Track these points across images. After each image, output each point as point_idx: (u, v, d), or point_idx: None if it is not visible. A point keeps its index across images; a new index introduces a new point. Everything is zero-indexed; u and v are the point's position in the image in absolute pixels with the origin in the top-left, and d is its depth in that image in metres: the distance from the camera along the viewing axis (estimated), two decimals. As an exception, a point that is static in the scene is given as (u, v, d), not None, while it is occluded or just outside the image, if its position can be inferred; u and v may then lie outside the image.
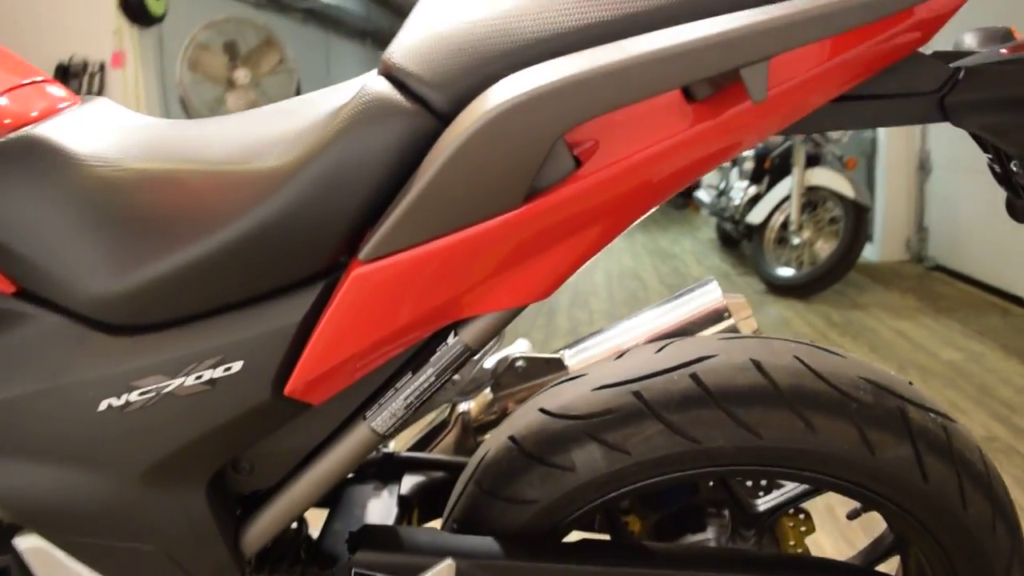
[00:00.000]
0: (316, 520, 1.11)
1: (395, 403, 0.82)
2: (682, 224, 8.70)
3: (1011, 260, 4.66)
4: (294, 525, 1.11)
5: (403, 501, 1.15)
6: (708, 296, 1.29)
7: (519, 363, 1.28)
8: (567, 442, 0.95)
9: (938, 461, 0.93)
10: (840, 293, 5.10)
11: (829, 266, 4.96)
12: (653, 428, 0.92)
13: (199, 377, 0.80)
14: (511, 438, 1.00)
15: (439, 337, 0.81)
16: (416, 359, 0.82)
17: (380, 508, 1.13)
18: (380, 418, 0.83)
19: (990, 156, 0.92)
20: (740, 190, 5.95)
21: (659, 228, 8.37)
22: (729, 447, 0.91)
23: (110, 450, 0.84)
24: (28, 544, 0.92)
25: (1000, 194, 0.92)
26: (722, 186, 6.63)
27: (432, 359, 0.81)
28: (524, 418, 1.01)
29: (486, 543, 0.95)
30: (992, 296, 4.77)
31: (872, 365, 0.97)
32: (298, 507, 0.88)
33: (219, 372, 0.79)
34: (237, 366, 0.79)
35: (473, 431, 1.30)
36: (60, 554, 0.92)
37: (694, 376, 0.93)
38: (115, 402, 0.82)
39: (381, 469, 1.20)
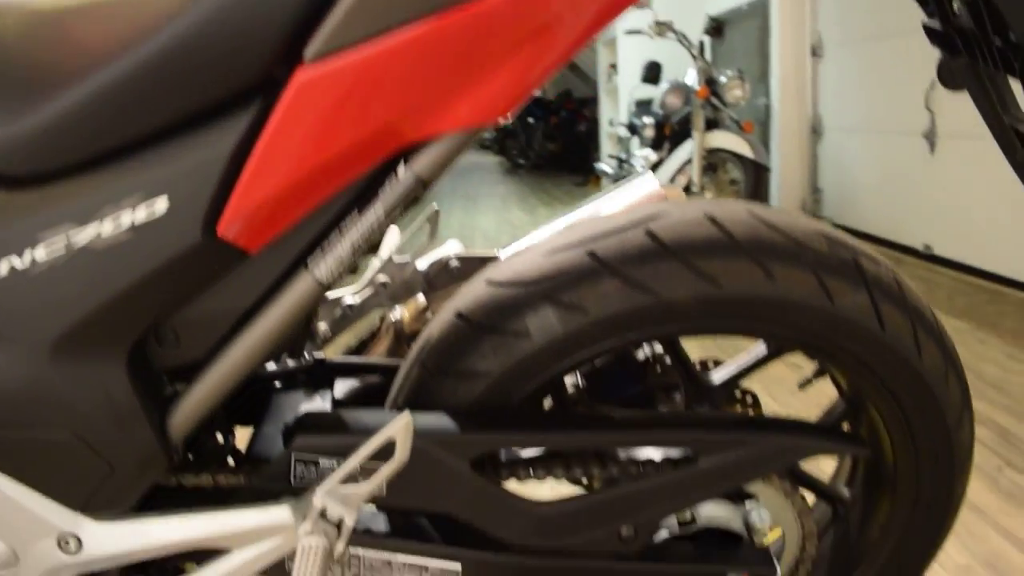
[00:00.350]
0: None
1: (340, 247, 0.76)
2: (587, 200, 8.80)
3: (900, 215, 4.92)
4: (221, 439, 1.03)
5: (338, 405, 1.09)
6: (646, 186, 1.27)
7: (453, 263, 1.24)
8: (519, 308, 0.91)
9: (893, 309, 0.94)
10: (744, 253, 5.25)
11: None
12: (610, 284, 0.89)
13: (116, 222, 0.71)
14: (458, 314, 0.95)
15: (387, 170, 0.76)
16: (362, 197, 0.76)
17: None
18: (324, 265, 0.76)
19: (930, 10, 0.93)
20: (642, 157, 6.06)
21: (563, 204, 8.45)
22: (689, 299, 0.89)
23: (14, 320, 0.75)
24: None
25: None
26: (623, 156, 6.74)
27: (381, 194, 0.75)
28: (470, 293, 0.96)
29: (438, 418, 0.90)
30: (885, 248, 5.03)
31: (821, 224, 0.97)
32: (231, 379, 0.81)
33: (140, 214, 0.71)
34: (161, 205, 0.71)
35: (406, 339, 1.24)
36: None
37: (649, 232, 0.91)
38: (18, 263, 0.73)
39: (311, 376, 1.13)
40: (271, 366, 1.14)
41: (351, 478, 0.80)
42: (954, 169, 4.30)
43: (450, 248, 1.26)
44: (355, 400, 1.11)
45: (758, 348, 1.08)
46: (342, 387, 1.12)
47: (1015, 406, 2.40)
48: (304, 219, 0.75)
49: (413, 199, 0.76)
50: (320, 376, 1.14)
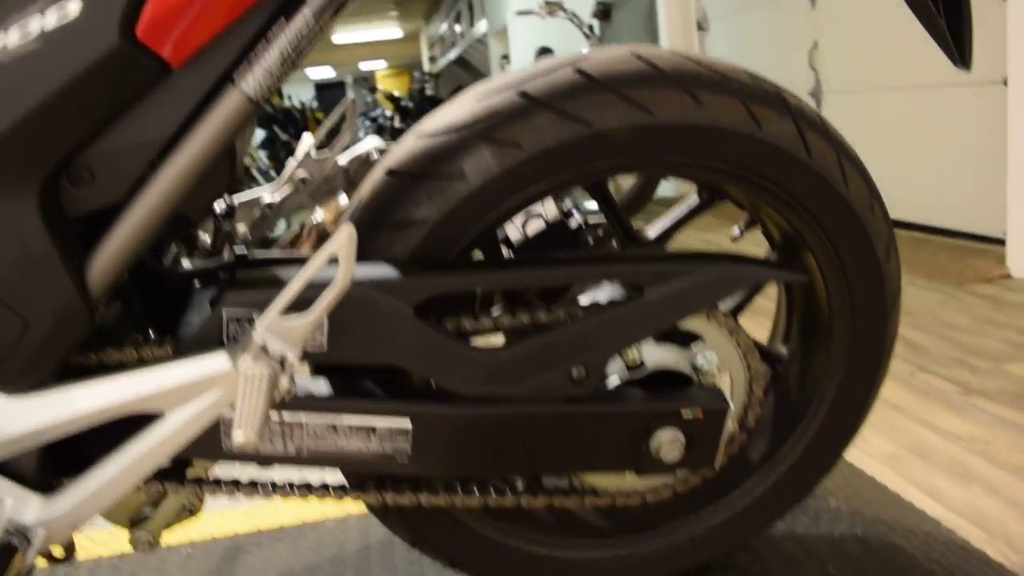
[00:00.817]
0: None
1: (268, 57, 0.73)
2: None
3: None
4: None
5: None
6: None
7: (374, 157, 1.22)
8: (453, 152, 0.91)
9: (818, 138, 0.98)
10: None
11: (630, 198, 5.23)
12: (543, 118, 0.90)
13: (23, 30, 0.67)
14: (388, 171, 0.94)
15: (311, -29, 0.74)
16: (289, 3, 0.74)
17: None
18: (252, 78, 0.74)
19: None
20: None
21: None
22: (622, 129, 0.91)
23: None
24: None
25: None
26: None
27: (308, -1, 0.73)
28: (399, 150, 0.95)
29: (377, 267, 0.88)
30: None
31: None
32: (154, 219, 0.77)
33: (50, 19, 0.67)
34: (73, 7, 0.67)
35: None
36: None
37: (578, 69, 0.92)
38: None
39: (232, 276, 1.09)
40: (188, 264, 1.09)
41: (290, 312, 0.77)
42: (839, 121, 4.53)
43: (370, 143, 1.24)
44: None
45: (690, 199, 1.11)
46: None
47: (918, 322, 2.54)
48: (227, 29, 0.72)
49: (342, 3, 0.75)
50: (242, 271, 1.09)
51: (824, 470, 1.18)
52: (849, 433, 1.15)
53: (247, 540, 1.46)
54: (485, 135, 0.90)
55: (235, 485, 0.96)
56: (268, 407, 0.72)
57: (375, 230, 0.93)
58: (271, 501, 0.96)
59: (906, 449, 1.74)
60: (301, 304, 0.78)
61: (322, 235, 1.20)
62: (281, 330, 0.76)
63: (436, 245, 0.92)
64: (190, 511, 1.08)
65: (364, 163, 1.20)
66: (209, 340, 0.85)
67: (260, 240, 1.21)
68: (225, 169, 0.84)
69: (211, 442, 0.89)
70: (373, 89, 10.67)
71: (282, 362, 0.77)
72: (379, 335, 0.87)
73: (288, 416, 0.88)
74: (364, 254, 0.92)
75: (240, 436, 0.68)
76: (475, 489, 1.00)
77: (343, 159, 1.20)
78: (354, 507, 1.53)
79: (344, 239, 0.73)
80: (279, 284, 0.87)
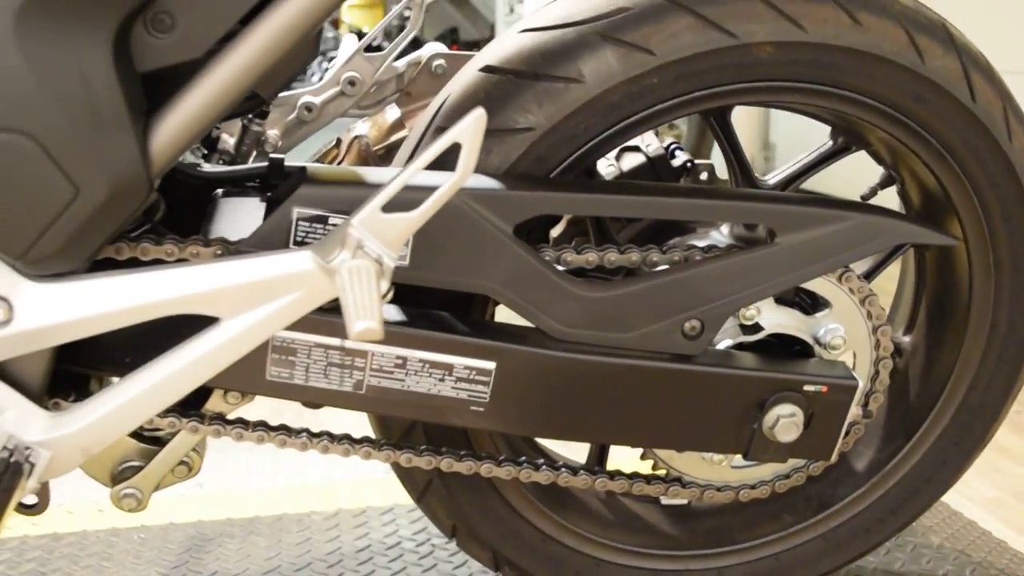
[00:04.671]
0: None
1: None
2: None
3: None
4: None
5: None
6: None
7: (437, 62, 1.29)
8: (571, 50, 0.98)
9: (984, 82, 1.07)
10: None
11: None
12: (681, 22, 0.98)
13: None
14: (487, 67, 1.01)
15: None
16: None
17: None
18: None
19: None
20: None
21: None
22: (769, 44, 0.99)
23: None
24: None
25: None
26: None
27: None
28: (501, 46, 1.03)
29: (475, 178, 0.95)
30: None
31: None
32: (237, 84, 0.83)
33: None
34: None
35: (375, 158, 1.28)
36: None
37: (723, -28, 1.00)
38: None
39: (265, 183, 1.15)
40: (218, 169, 1.15)
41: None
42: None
43: (433, 48, 1.31)
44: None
45: (821, 144, 1.19)
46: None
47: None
48: None
49: None
50: (274, 185, 1.15)
51: (942, 489, 1.26)
52: (976, 444, 1.23)
53: (215, 529, 1.51)
54: (611, 34, 0.98)
55: (263, 428, 1.02)
56: (381, 299, 0.78)
57: (467, 135, 0.99)
58: (286, 448, 1.02)
59: (1010, 494, 1.84)
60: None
61: (365, 153, 1.26)
62: (380, 227, 0.82)
63: (538, 159, 0.99)
64: (188, 467, 1.14)
65: (424, 70, 1.27)
66: (273, 240, 0.91)
67: (290, 149, 1.27)
68: (311, 44, 0.90)
69: (254, 370, 0.95)
70: (336, 23, 10.66)
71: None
72: (471, 254, 0.93)
73: (351, 344, 0.95)
74: (451, 163, 0.99)
75: (362, 326, 0.74)
76: (544, 462, 1.07)
77: (400, 63, 1.27)
78: (349, 501, 1.59)
79: (472, 124, 0.79)
80: (358, 183, 0.93)
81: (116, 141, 0.81)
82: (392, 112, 1.29)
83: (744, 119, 6.54)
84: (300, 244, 0.92)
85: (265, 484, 1.66)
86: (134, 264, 0.91)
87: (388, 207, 0.83)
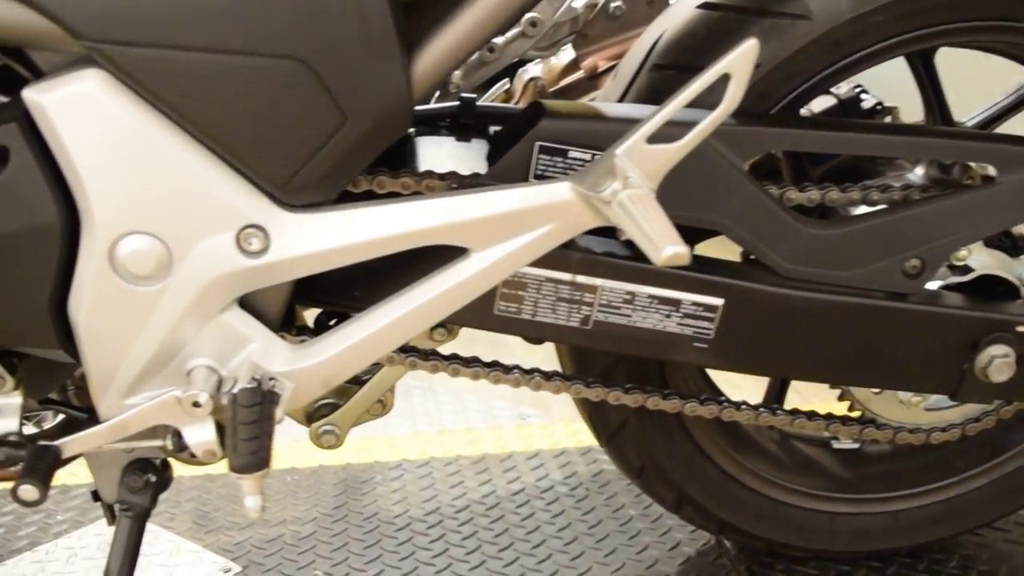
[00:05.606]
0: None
1: None
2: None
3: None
4: None
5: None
6: None
7: (615, 4, 1.28)
8: (799, -17, 0.97)
9: None
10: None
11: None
12: None
13: None
14: (706, 4, 1.00)
15: None
16: None
17: (471, 160, 1.08)
18: None
19: None
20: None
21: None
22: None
23: None
24: (65, 89, 0.79)
25: None
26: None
27: None
28: (719, -19, 1.01)
29: (704, 112, 0.94)
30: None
31: None
32: (499, 14, 0.83)
33: None
34: None
35: (551, 97, 1.27)
36: (121, 100, 0.79)
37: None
38: None
39: (457, 123, 1.14)
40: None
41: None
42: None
43: (610, -12, 1.29)
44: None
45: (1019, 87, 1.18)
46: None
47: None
48: None
49: None
50: (468, 122, 1.15)
51: None
52: None
53: (365, 473, 1.52)
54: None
55: (478, 364, 1.02)
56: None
57: (687, 72, 0.98)
58: (499, 384, 1.02)
59: None
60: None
61: (541, 94, 1.25)
62: (644, 159, 0.82)
63: (760, 96, 0.99)
64: (382, 404, 1.14)
65: (602, 13, 1.25)
66: (512, 172, 0.91)
67: (472, 90, 1.26)
68: None
69: (483, 304, 0.95)
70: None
71: (638, 196, 0.82)
72: (706, 189, 0.93)
73: (582, 279, 0.95)
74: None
75: (671, 251, 0.74)
76: (750, 403, 1.07)
77: (578, 4, 1.26)
78: (493, 446, 1.60)
79: (744, 54, 0.79)
80: (598, 117, 0.93)
81: (385, 69, 0.81)
82: (566, 54, 1.28)
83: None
84: (539, 177, 0.92)
85: (406, 430, 1.67)
86: (370, 197, 0.91)
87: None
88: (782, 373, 1.08)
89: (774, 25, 0.97)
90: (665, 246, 0.74)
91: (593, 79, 1.27)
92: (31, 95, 0.80)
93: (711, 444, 1.17)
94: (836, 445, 1.28)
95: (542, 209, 0.85)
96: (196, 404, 0.87)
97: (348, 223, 0.86)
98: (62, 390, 1.04)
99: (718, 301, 0.96)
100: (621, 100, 1.03)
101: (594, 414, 1.17)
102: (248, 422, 0.84)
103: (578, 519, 1.39)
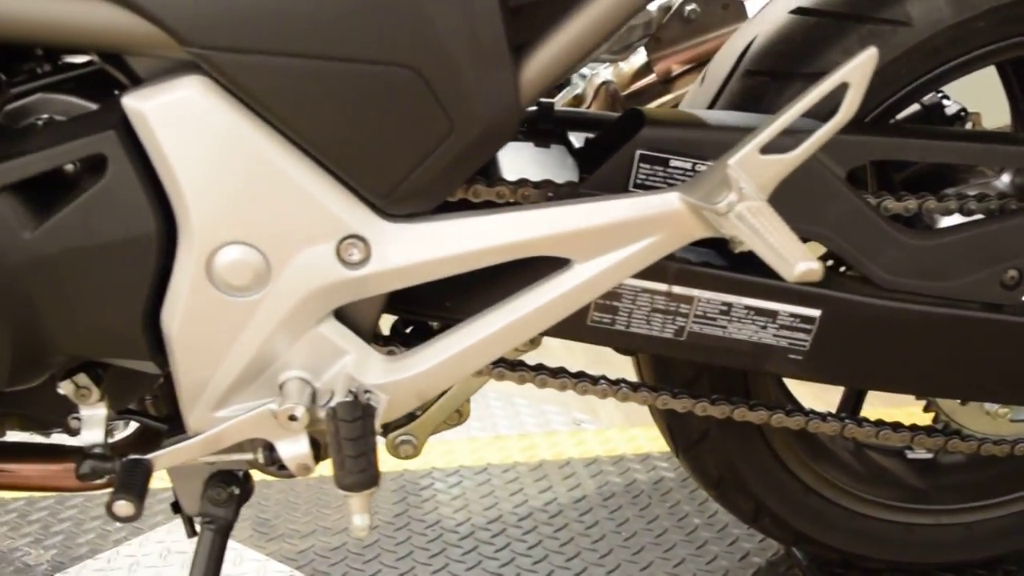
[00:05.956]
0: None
1: None
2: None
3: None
4: None
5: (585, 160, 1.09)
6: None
7: (690, 7, 1.26)
8: (899, -11, 0.95)
9: None
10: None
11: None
12: None
13: None
14: (799, 10, 0.99)
15: None
16: None
17: (554, 166, 1.06)
18: None
19: None
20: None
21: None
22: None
23: None
24: (168, 95, 0.77)
25: None
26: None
27: None
28: (811, -13, 1.00)
29: (804, 120, 0.92)
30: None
31: None
32: (611, 19, 0.81)
33: None
34: None
35: (623, 101, 1.25)
36: (224, 108, 0.78)
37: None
38: None
39: (534, 128, 1.12)
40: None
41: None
42: None
43: (689, -9, 1.27)
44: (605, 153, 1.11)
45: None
46: (581, 141, 1.12)
47: None
48: None
49: None
50: (545, 129, 1.13)
51: None
52: None
53: (424, 480, 1.50)
54: (942, -25, 0.94)
55: (565, 375, 1.00)
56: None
57: (781, 79, 0.97)
58: (586, 395, 1.01)
59: None
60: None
61: (612, 97, 1.23)
62: (757, 169, 0.80)
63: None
64: (459, 414, 1.12)
65: (675, 14, 1.23)
66: (612, 183, 0.89)
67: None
68: None
69: (577, 316, 0.92)
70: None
71: (750, 208, 0.80)
72: (806, 198, 0.91)
73: (679, 290, 0.93)
74: (770, 106, 0.96)
75: (804, 267, 0.72)
76: (838, 415, 1.06)
77: (651, 7, 1.24)
78: (549, 452, 1.58)
79: (863, 63, 0.77)
80: (700, 125, 0.91)
81: (495, 76, 0.79)
82: (638, 57, 1.26)
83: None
84: (639, 187, 0.90)
85: (460, 435, 1.65)
86: (464, 206, 0.89)
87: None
88: (875, 385, 1.06)
89: (873, 31, 0.95)
90: (797, 262, 0.72)
91: (666, 83, 1.25)
92: (132, 102, 0.78)
93: (790, 454, 1.16)
94: (910, 455, 1.26)
95: (650, 220, 0.83)
96: (292, 417, 0.85)
97: (450, 233, 0.84)
98: (139, 400, 1.02)
99: (815, 312, 0.94)
100: (711, 106, 1.01)
101: (674, 424, 1.15)
102: (353, 438, 0.82)
103: (643, 528, 1.37)
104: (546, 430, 1.67)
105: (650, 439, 1.60)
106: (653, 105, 1.43)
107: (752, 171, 0.80)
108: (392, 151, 0.80)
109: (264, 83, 0.77)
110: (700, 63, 1.29)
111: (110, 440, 1.07)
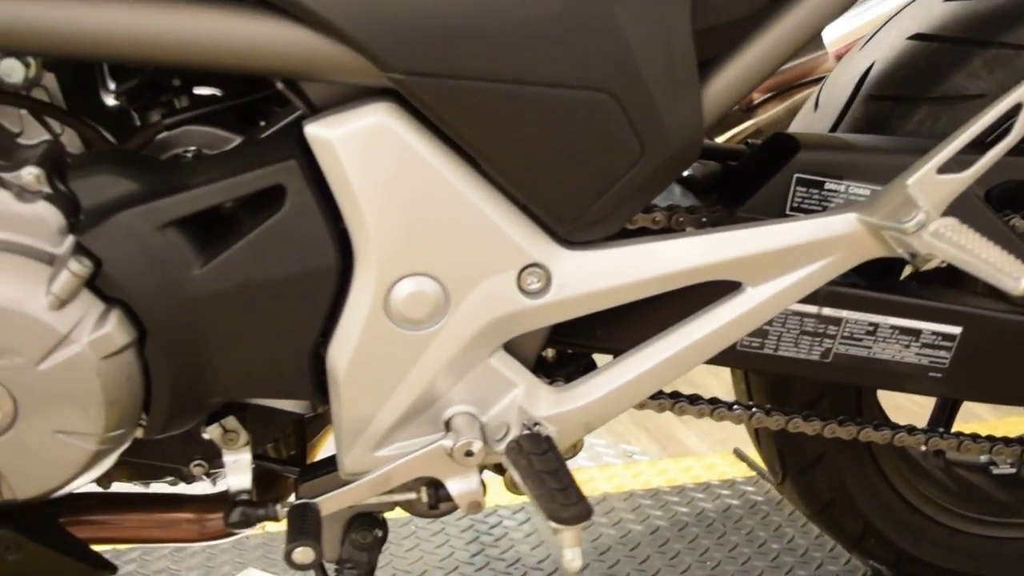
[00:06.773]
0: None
1: None
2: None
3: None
4: None
5: (691, 185, 1.09)
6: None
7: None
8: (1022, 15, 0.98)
9: None
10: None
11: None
12: None
13: None
14: (918, 36, 1.01)
15: None
16: None
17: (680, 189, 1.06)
18: None
19: None
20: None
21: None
22: None
23: None
24: (358, 123, 0.75)
25: None
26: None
27: None
28: (927, 15, 1.02)
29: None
30: None
31: None
32: (793, 38, 0.81)
33: None
34: None
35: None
36: (413, 136, 0.76)
37: None
38: None
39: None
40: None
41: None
42: None
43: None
44: (711, 178, 1.11)
45: None
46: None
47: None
48: None
49: None
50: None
51: None
52: None
53: (491, 516, 1.48)
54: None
55: (703, 402, 1.00)
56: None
57: (908, 103, 0.99)
58: (722, 420, 1.00)
59: None
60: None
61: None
62: (933, 188, 0.81)
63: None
64: (574, 447, 1.10)
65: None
66: (769, 207, 0.90)
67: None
68: None
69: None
70: None
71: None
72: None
73: (828, 311, 0.93)
74: (896, 129, 0.98)
75: None
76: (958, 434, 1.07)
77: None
78: (636, 482, 1.57)
79: (1040, 82, 0.79)
80: (852, 149, 0.92)
81: (686, 99, 0.79)
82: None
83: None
84: (796, 210, 0.90)
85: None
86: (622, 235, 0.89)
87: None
88: (1011, 400, 1.07)
89: (998, 56, 0.97)
90: (1021, 275, 0.73)
91: (748, 111, 1.27)
92: (317, 130, 0.76)
93: (895, 472, 1.17)
94: (995, 471, 1.28)
95: (827, 241, 0.83)
96: (469, 453, 0.83)
97: (630, 260, 0.83)
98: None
99: (956, 330, 0.95)
100: (833, 131, 1.02)
101: (786, 448, 1.15)
102: (552, 471, 0.80)
103: (726, 556, 1.36)
104: (599, 463, 1.66)
105: (705, 468, 1.60)
106: (730, 134, 1.45)
107: (928, 190, 0.81)
108: (582, 177, 0.79)
109: (462, 109, 0.75)
110: (780, 91, 1.31)
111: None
